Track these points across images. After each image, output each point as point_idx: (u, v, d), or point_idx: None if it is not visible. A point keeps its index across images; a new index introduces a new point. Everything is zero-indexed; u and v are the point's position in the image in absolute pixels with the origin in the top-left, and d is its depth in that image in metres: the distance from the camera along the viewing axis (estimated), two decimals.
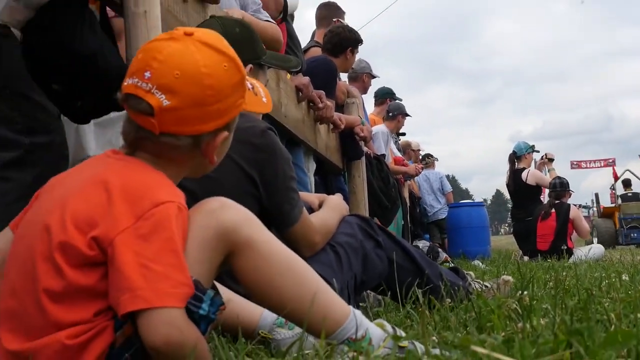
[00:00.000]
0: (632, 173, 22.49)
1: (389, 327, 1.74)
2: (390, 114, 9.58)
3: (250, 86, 1.87)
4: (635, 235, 18.46)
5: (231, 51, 1.75)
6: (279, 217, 2.48)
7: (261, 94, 1.90)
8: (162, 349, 1.41)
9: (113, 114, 2.73)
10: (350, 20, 6.94)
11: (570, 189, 10.48)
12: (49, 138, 2.56)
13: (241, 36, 2.55)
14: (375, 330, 1.68)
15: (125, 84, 1.66)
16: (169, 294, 1.41)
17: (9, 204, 2.43)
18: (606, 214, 20.71)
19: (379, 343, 1.64)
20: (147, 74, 1.62)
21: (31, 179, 2.48)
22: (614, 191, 22.81)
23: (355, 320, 1.67)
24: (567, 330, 1.44)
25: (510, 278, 3.27)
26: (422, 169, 11.04)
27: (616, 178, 22.72)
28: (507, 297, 2.53)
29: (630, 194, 20.58)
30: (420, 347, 1.59)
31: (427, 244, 9.21)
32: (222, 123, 1.72)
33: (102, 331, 1.48)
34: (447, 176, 13.26)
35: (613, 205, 21.45)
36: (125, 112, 1.75)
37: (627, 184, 21.68)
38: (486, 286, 3.12)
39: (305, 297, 1.62)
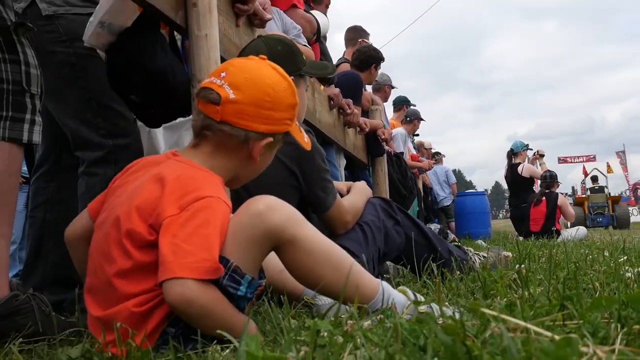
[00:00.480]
0: (599, 171, 24.97)
1: (410, 293, 1.75)
2: (408, 118, 9.60)
3: (299, 125, 1.89)
4: (600, 219, 19.48)
5: (292, 82, 1.83)
6: (317, 204, 2.50)
7: (305, 135, 1.92)
8: (179, 305, 1.43)
9: (179, 120, 2.75)
10: (374, 40, 6.94)
11: (558, 180, 10.47)
12: (128, 140, 2.60)
13: (283, 52, 2.55)
14: (400, 298, 1.69)
15: (204, 82, 1.77)
16: (190, 268, 1.44)
17: (95, 194, 2.47)
18: (578, 202, 21.66)
19: (402, 309, 1.64)
20: (223, 74, 1.71)
21: (113, 174, 2.50)
22: (584, 185, 24.21)
23: (383, 294, 1.68)
24: (560, 296, 1.44)
25: (509, 254, 3.26)
26: (434, 164, 11.08)
27: (586, 174, 24.19)
28: (508, 269, 2.53)
29: (597, 187, 21.82)
30: (436, 310, 1.60)
31: (438, 226, 9.18)
32: (270, 130, 1.75)
33: (163, 301, 1.50)
34: (454, 170, 13.24)
35: (584, 196, 22.15)
36: (190, 117, 1.79)
37: (594, 179, 22.99)
38: (484, 256, 3.09)
39: (342, 281, 1.59)
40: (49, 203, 2.74)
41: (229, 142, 1.73)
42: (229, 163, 1.76)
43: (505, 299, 1.67)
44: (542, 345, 0.83)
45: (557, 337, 0.92)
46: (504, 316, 1.08)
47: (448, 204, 11.48)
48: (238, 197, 2.26)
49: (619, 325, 1.15)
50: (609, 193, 21.48)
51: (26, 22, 2.08)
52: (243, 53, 2.54)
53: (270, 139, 1.76)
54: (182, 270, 1.44)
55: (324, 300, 1.82)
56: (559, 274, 2.11)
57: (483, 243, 7.42)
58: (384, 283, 1.70)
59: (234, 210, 1.67)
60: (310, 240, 1.63)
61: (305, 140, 1.92)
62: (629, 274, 2.13)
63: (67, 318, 2.03)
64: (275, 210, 1.60)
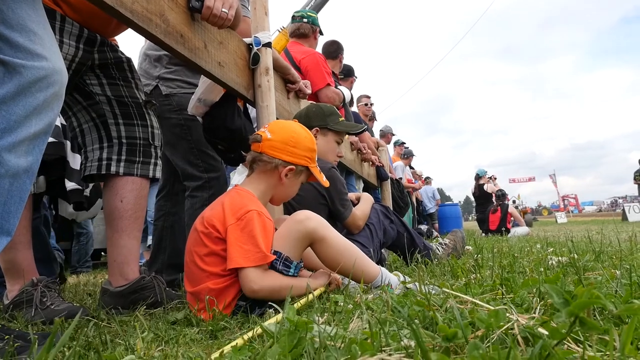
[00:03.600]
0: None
1: (401, 276, 1.73)
2: (405, 155, 9.61)
3: (319, 169, 1.88)
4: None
5: (312, 135, 1.86)
6: (338, 215, 2.48)
7: (323, 176, 1.90)
8: (250, 295, 1.48)
9: None
10: (383, 100, 6.94)
11: (507, 195, 10.38)
12: (218, 174, 2.63)
13: (316, 111, 2.60)
14: (394, 279, 1.67)
15: (256, 132, 1.83)
16: (248, 259, 1.48)
17: (196, 209, 2.51)
18: None
19: (395, 287, 1.63)
20: (267, 125, 1.79)
21: (208, 196, 2.55)
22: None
23: (382, 276, 1.67)
24: (500, 278, 1.42)
25: (470, 247, 3.20)
26: (425, 184, 11.08)
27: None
28: (468, 257, 2.49)
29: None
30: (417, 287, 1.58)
31: (426, 227, 9.10)
32: (292, 160, 1.75)
33: (233, 283, 1.53)
34: (438, 188, 13.12)
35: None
36: None
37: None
38: (446, 244, 3.02)
39: (351, 265, 1.62)
40: (166, 215, 2.78)
41: (266, 168, 1.75)
42: (267, 185, 1.76)
43: (464, 279, 1.64)
44: (480, 314, 0.82)
45: (492, 308, 0.91)
46: (458, 293, 1.07)
47: (433, 211, 11.38)
48: (288, 211, 2.28)
49: (539, 299, 1.12)
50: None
51: (152, 100, 2.14)
52: (296, 116, 2.60)
53: (293, 167, 1.76)
54: (243, 262, 1.48)
55: (346, 281, 1.82)
56: (503, 261, 2.07)
57: None
58: (383, 269, 1.69)
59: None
60: (334, 238, 1.65)
61: (324, 179, 1.86)
62: (553, 262, 2.08)
63: (176, 292, 2.05)
64: (311, 219, 1.64)
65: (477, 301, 0.99)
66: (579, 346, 0.75)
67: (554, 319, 0.72)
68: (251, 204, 1.61)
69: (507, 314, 0.85)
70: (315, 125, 2.55)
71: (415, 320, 0.96)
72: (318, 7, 9.28)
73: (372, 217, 2.68)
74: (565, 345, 0.75)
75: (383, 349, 0.78)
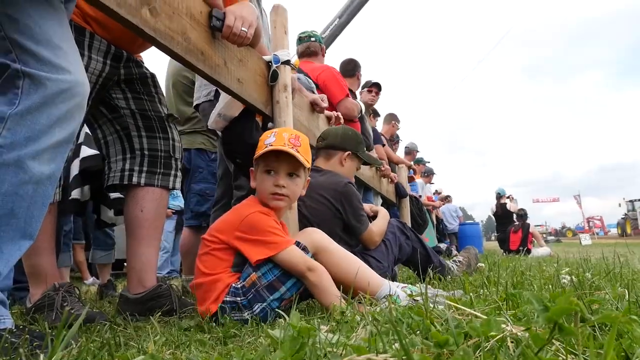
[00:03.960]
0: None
1: (408, 290, 1.75)
2: (425, 173, 9.64)
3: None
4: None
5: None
6: (355, 230, 2.50)
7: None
8: (303, 273, 1.64)
9: None
10: (404, 117, 7.01)
11: (529, 215, 10.32)
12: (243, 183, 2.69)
13: (351, 136, 2.75)
14: (401, 293, 1.70)
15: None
16: (261, 252, 1.64)
17: None
18: None
19: (403, 299, 1.65)
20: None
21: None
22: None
23: (389, 287, 1.71)
24: (506, 294, 1.43)
25: (482, 264, 3.18)
26: (445, 203, 11.08)
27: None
28: (480, 274, 2.48)
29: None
30: (433, 296, 1.62)
31: (446, 245, 9.05)
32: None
33: (219, 280, 1.66)
34: (460, 207, 13.05)
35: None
36: None
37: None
38: (460, 261, 3.02)
39: (353, 274, 1.72)
40: None
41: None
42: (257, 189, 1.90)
43: (472, 294, 1.65)
44: (474, 323, 0.84)
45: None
46: (459, 305, 1.09)
47: (456, 230, 11.37)
48: (304, 225, 2.32)
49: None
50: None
51: (173, 114, 2.21)
52: (330, 131, 2.78)
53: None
54: (268, 251, 1.64)
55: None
56: (515, 279, 2.07)
57: None
58: (390, 282, 1.74)
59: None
60: (336, 250, 1.79)
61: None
62: (565, 280, 2.07)
63: (192, 300, 2.10)
64: (316, 232, 1.81)
65: (476, 313, 1.01)
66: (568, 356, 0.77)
67: (535, 325, 0.74)
68: (249, 208, 1.74)
69: (503, 325, 0.88)
70: (349, 149, 2.70)
71: (417, 331, 0.99)
72: (334, 35, 9.52)
73: (389, 233, 2.69)
74: (553, 354, 0.78)
75: (379, 353, 0.81)
